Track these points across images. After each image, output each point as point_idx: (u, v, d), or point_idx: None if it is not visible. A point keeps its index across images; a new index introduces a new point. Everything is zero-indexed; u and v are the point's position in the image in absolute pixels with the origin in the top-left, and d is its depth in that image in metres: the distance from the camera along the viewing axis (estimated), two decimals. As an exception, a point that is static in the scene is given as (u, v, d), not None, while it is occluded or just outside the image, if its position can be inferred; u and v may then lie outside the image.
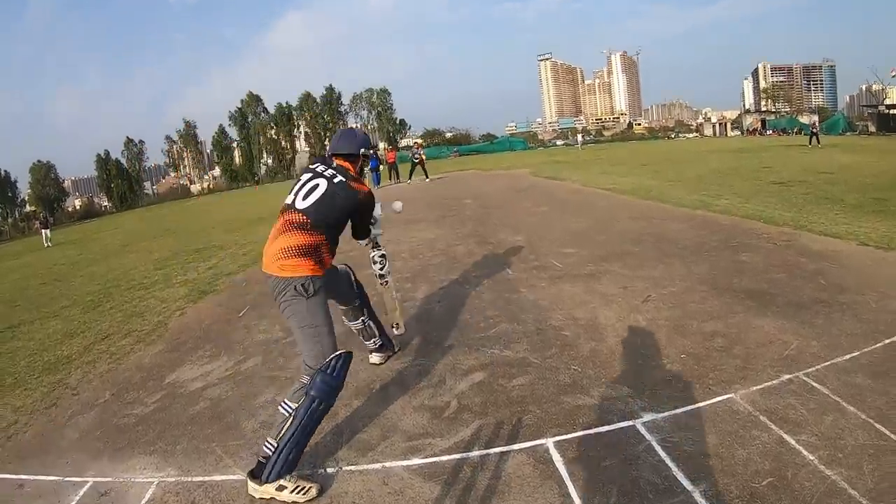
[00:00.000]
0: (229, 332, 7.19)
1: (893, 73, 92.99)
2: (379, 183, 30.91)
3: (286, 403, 3.59)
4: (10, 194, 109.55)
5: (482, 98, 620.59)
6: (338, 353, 3.73)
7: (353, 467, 3.75)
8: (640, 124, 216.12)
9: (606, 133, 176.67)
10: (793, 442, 3.42)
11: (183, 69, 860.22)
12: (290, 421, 3.50)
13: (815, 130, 39.33)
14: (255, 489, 3.50)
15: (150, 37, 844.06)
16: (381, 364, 5.32)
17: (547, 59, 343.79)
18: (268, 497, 3.46)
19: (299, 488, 3.45)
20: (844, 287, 6.15)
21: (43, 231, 34.92)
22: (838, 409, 3.74)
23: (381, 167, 31.94)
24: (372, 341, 5.24)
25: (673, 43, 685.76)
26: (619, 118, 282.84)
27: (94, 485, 3.90)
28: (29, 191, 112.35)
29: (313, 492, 3.46)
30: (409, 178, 30.94)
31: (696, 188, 15.94)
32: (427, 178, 29.69)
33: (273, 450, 3.47)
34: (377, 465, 3.73)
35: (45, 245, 32.37)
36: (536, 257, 9.06)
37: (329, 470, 3.75)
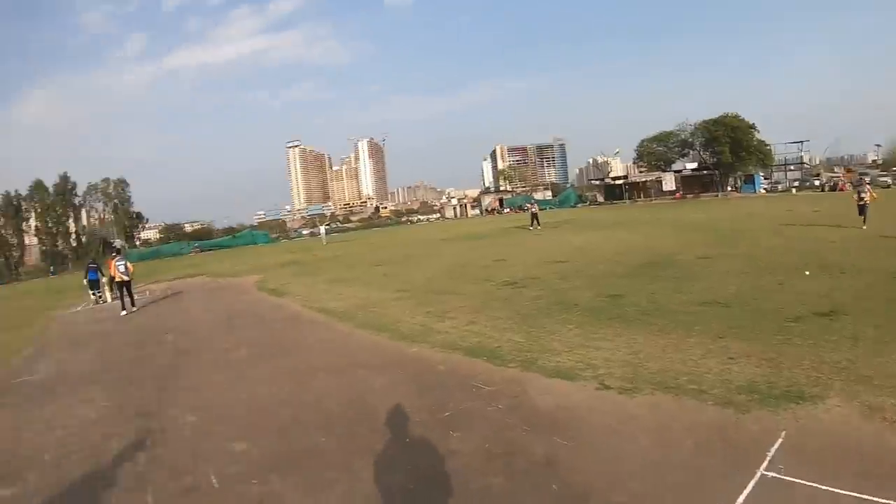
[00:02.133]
0: None
1: (617, 151, 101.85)
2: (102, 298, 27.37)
3: None
4: None
5: (230, 186, 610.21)
6: None
7: None
8: (386, 208, 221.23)
9: (354, 219, 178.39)
10: None
11: None
12: None
13: (534, 211, 40.27)
14: None
15: None
16: None
17: (296, 146, 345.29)
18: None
19: None
20: (584, 487, 4.78)
21: None
22: None
23: (103, 279, 27.98)
24: None
25: (417, 127, 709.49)
26: (366, 202, 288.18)
27: None
28: None
29: None
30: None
31: (422, 301, 14.61)
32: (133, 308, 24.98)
33: None
34: None
35: None
36: (193, 463, 6.64)
37: None
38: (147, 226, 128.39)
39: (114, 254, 24.07)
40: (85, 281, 28.17)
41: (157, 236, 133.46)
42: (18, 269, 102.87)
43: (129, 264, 23.00)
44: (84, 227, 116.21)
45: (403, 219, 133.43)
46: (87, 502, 6.17)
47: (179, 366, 11.85)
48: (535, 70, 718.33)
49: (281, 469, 6.10)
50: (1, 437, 8.87)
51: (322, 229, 69.53)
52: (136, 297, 24.51)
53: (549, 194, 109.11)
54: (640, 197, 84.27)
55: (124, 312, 21.58)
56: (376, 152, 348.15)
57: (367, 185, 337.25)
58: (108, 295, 27.24)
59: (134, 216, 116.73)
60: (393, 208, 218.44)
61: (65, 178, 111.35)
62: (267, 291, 22.55)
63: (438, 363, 8.99)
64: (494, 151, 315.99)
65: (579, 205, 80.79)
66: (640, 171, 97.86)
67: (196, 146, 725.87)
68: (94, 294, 27.70)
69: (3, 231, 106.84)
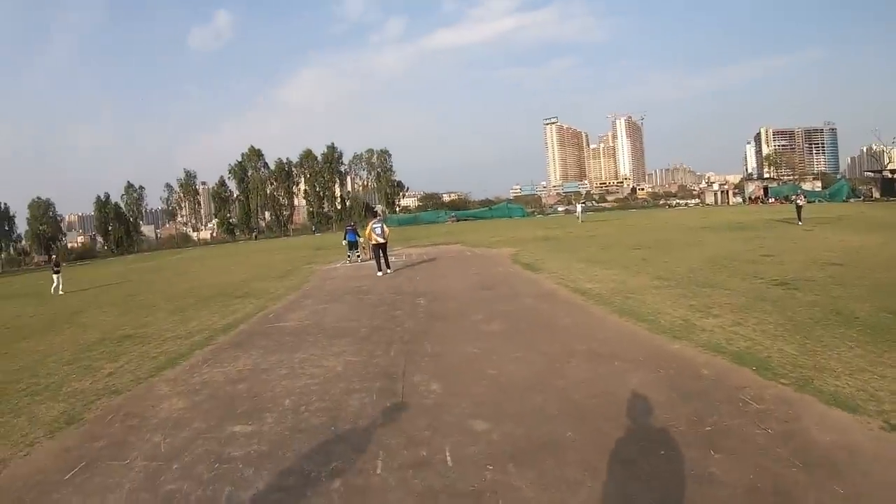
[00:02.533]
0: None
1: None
2: (360, 258, 29.84)
3: None
4: (6, 228, 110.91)
5: (487, 159, 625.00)
6: None
7: None
8: (643, 189, 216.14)
9: (609, 198, 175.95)
10: None
11: (189, 119, 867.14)
12: None
13: (799, 203, 37.01)
14: None
15: (161, 84, 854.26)
16: None
17: (553, 123, 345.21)
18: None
19: None
20: None
21: (55, 276, 31.73)
22: None
23: (361, 240, 29.65)
24: None
25: (676, 107, 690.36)
26: (622, 183, 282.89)
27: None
28: (27, 227, 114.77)
29: None
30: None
31: (683, 293, 13.71)
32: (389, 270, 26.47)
33: None
34: None
35: (57, 293, 30.48)
36: (430, 435, 6.61)
37: None
38: (406, 194, 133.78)
39: (373, 217, 25.18)
40: (344, 242, 30.60)
41: (416, 204, 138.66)
42: (287, 226, 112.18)
43: (385, 228, 24.11)
44: (349, 192, 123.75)
45: (661, 202, 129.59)
46: (316, 453, 6.32)
47: (429, 331, 12.02)
48: (804, 44, 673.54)
49: (520, 459, 5.79)
50: (250, 377, 9.55)
51: (578, 207, 68.98)
52: (392, 259, 25.53)
53: (818, 185, 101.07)
54: (923, 194, 74.09)
55: (380, 273, 22.78)
56: (634, 131, 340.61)
57: (624, 165, 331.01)
58: (364, 255, 29.23)
59: (395, 184, 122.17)
60: (650, 190, 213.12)
61: (332, 148, 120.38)
62: (521, 265, 22.56)
63: (701, 366, 8.21)
64: (759, 134, 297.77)
65: (851, 199, 73.64)
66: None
67: (454, 121, 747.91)
68: (350, 254, 30.06)
69: (276, 193, 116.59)
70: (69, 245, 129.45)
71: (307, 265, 31.39)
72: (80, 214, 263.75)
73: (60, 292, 30.37)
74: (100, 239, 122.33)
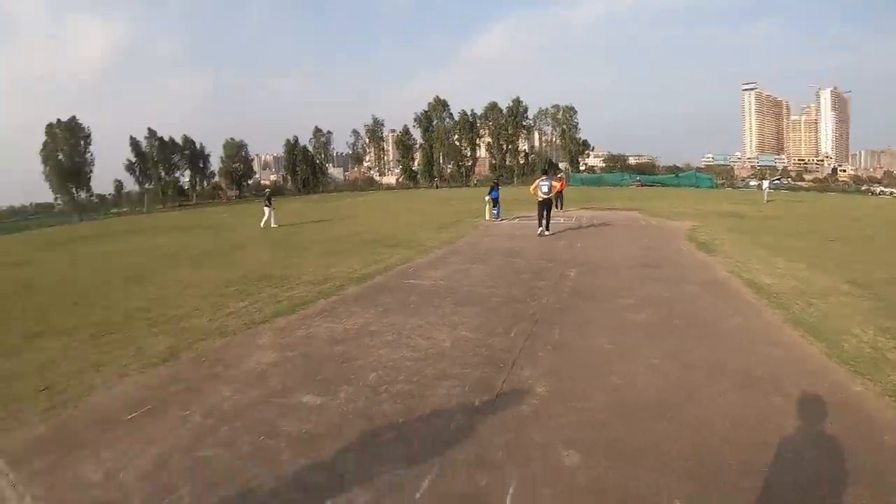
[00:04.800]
0: None
1: None
2: (499, 215, 29.63)
3: None
4: (202, 165, 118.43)
5: (677, 123, 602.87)
6: None
7: None
8: (844, 171, 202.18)
9: (807, 177, 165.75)
10: None
11: (380, 71, 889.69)
12: None
13: None
14: None
15: (353, 36, 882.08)
16: None
17: (752, 89, 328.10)
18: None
19: None
20: None
21: (266, 210, 33.17)
22: None
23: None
24: None
25: (890, 81, 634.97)
26: (822, 161, 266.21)
27: None
28: (220, 165, 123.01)
29: None
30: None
31: (882, 306, 10.70)
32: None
33: None
34: None
35: (272, 225, 31.98)
36: (502, 459, 5.35)
37: None
38: (592, 153, 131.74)
39: (543, 175, 23.83)
40: (487, 197, 30.14)
41: (601, 164, 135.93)
42: (470, 177, 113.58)
43: (554, 183, 24.02)
44: (533, 147, 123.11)
45: (864, 187, 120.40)
46: (360, 453, 5.61)
47: (566, 312, 10.65)
48: None
49: None
50: (352, 340, 9.15)
51: (765, 183, 61.50)
52: (562, 220, 24.68)
53: None
54: None
55: (539, 232, 22.14)
56: (840, 105, 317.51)
57: (826, 142, 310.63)
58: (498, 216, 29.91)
59: (580, 143, 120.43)
60: (853, 173, 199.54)
61: (517, 102, 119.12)
62: (696, 244, 20.17)
63: (886, 428, 5.86)
64: None
65: None
66: None
67: (644, 82, 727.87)
68: (495, 211, 29.75)
69: (459, 143, 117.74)
70: (261, 182, 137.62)
71: (475, 218, 31.01)
72: (274, 155, 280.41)
73: (273, 225, 31.90)
74: (289, 179, 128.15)
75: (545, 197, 22.57)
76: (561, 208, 33.17)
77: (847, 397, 6.63)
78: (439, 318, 10.19)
